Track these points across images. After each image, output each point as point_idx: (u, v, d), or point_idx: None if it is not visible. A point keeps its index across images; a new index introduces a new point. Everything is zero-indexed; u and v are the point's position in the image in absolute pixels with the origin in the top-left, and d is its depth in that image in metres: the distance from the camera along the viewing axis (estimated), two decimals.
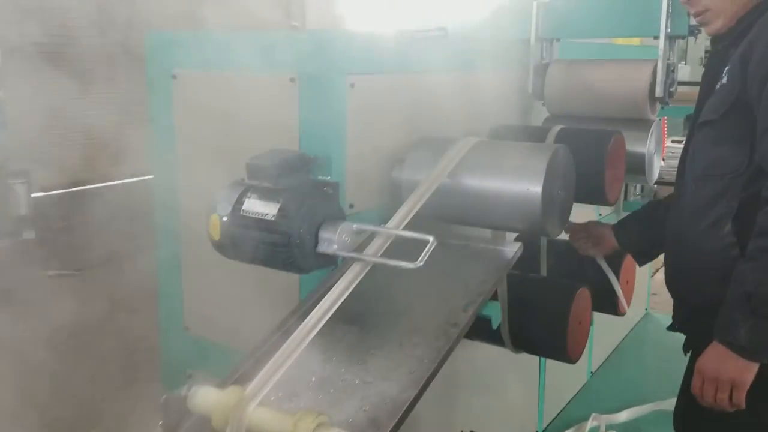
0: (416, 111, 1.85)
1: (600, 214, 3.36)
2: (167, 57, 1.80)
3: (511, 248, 1.63)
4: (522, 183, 1.55)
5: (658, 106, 2.27)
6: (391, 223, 1.49)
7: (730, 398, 1.57)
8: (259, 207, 1.49)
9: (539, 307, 1.78)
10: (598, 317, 3.39)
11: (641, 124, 2.24)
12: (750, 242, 1.54)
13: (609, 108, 2.26)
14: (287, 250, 1.47)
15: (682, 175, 1.84)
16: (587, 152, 1.89)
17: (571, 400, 3.27)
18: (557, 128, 1.97)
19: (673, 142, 4.08)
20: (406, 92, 1.79)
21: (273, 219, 1.46)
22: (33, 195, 7.27)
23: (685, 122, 3.11)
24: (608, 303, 2.19)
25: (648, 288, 4.42)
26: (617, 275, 2.15)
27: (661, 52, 2.13)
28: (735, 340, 1.53)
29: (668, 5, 2.11)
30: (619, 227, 2.16)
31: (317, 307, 1.35)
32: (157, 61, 1.82)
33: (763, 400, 1.58)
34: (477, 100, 2.12)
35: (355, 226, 1.49)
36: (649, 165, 2.25)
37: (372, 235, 1.52)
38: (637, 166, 2.23)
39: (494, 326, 1.54)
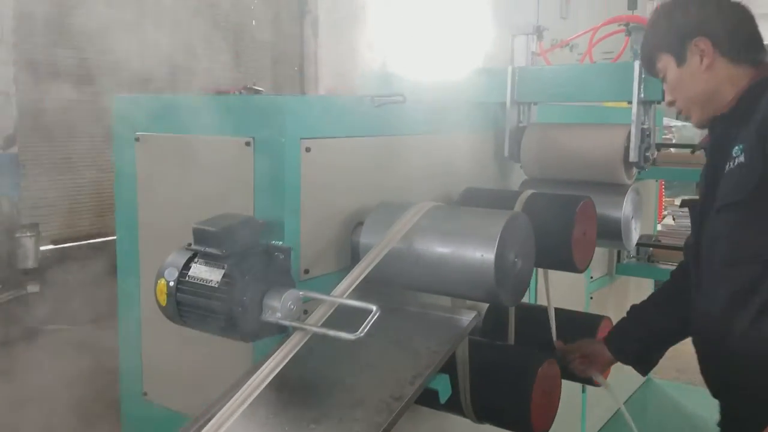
0: (381, 174, 1.84)
1: (591, 278, 3.29)
2: (132, 120, 1.81)
3: (467, 317, 1.58)
4: (475, 250, 1.51)
5: (635, 170, 2.24)
6: (338, 290, 1.45)
7: None
8: (205, 273, 1.47)
9: (501, 378, 1.72)
10: None
11: (617, 188, 2.21)
12: None
13: (584, 172, 2.24)
14: (230, 317, 1.44)
15: (698, 264, 1.78)
16: (555, 218, 1.86)
17: None
18: (528, 193, 1.94)
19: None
20: (367, 156, 1.78)
21: (216, 286, 1.44)
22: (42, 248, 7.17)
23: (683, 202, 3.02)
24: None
25: None
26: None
27: (634, 117, 2.12)
28: None
29: (640, 71, 2.10)
30: (612, 340, 2.06)
31: (252, 377, 1.31)
32: (123, 123, 1.84)
33: None
34: (449, 163, 2.11)
35: (301, 293, 1.46)
36: (626, 230, 2.21)
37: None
38: (613, 232, 2.18)
39: (442, 400, 1.48)
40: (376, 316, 1.35)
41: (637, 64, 2.10)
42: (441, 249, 1.55)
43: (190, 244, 1.51)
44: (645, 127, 2.16)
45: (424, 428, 1.91)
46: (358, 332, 1.33)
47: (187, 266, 1.50)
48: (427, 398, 1.65)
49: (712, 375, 1.79)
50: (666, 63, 1.79)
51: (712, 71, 1.73)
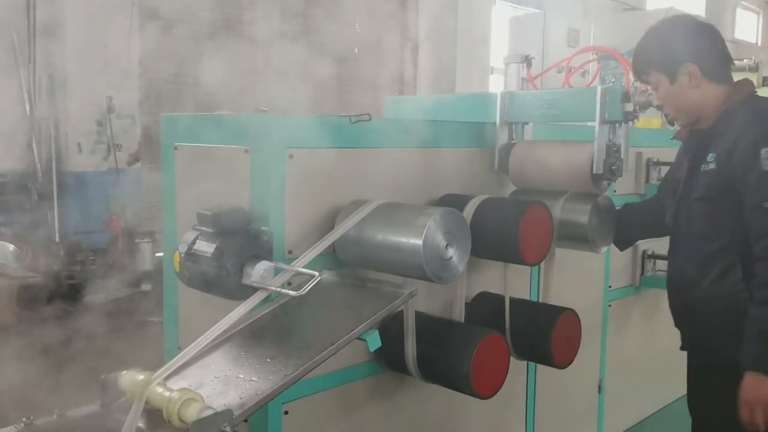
0: (362, 179, 2.25)
1: (610, 287, 3.50)
2: (172, 133, 2.37)
3: (407, 289, 1.97)
4: (408, 237, 1.91)
5: (605, 181, 2.52)
6: (296, 263, 1.90)
7: None
8: (204, 246, 1.96)
9: (444, 344, 2.09)
10: (613, 384, 3.46)
11: (587, 197, 2.51)
12: (755, 291, 2.09)
13: (560, 182, 2.55)
14: (218, 280, 1.92)
15: (676, 232, 2.44)
16: (505, 218, 2.21)
17: None
18: (481, 198, 2.29)
19: None
20: (347, 163, 2.20)
21: (210, 256, 1.93)
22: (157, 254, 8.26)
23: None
24: (543, 355, 2.39)
25: None
26: (551, 329, 2.36)
27: (596, 135, 2.41)
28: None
29: (603, 95, 2.40)
30: (621, 214, 2.67)
31: (221, 321, 1.78)
32: (167, 136, 2.40)
33: None
34: (433, 171, 2.49)
35: (272, 264, 1.93)
36: (595, 235, 2.50)
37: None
38: (580, 235, 2.48)
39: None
40: (317, 280, 1.79)
41: (599, 89, 2.41)
42: (383, 236, 1.96)
43: (195, 226, 2.01)
44: (610, 143, 2.44)
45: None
46: (300, 291, 1.77)
47: (194, 242, 2.01)
48: (398, 365, 2.07)
49: (677, 312, 2.46)
50: (659, 80, 2.32)
51: (699, 90, 2.29)
